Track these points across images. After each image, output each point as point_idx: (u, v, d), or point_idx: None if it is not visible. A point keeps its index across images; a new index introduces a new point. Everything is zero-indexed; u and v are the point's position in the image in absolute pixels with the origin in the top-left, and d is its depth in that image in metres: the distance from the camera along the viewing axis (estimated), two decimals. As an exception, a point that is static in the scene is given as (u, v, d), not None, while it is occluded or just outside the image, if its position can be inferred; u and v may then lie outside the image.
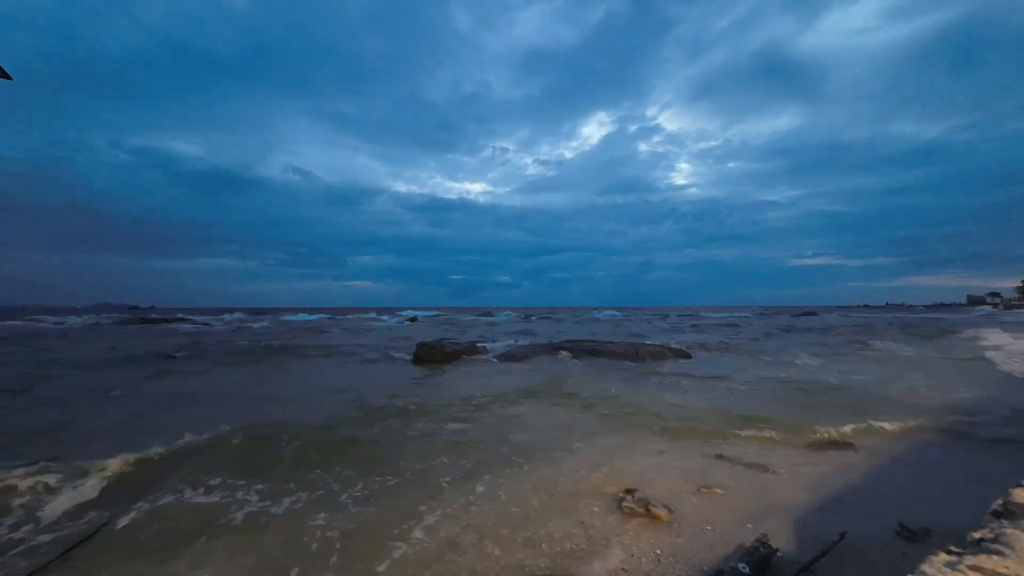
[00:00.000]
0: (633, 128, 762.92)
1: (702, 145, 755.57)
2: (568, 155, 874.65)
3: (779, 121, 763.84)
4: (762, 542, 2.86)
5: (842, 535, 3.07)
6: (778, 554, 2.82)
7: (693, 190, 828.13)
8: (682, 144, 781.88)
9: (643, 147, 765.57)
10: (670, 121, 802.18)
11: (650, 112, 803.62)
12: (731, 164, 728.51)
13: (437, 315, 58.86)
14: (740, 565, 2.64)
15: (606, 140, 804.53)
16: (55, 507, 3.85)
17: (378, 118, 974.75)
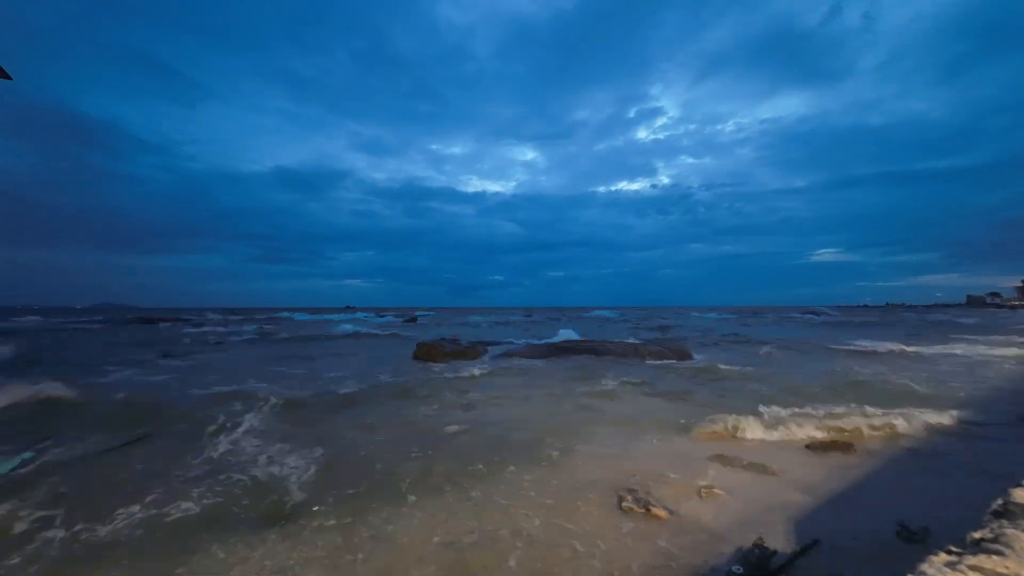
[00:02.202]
0: (633, 110, 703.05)
1: (708, 129, 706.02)
2: (562, 140, 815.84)
3: (794, 103, 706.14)
4: (758, 544, 2.82)
5: (814, 542, 2.99)
6: (775, 556, 2.77)
7: (699, 179, 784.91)
8: (688, 128, 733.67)
9: (644, 131, 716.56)
10: (674, 102, 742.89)
11: (652, 92, 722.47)
12: (741, 151, 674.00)
13: (432, 314, 58.62)
14: (735, 567, 2.60)
15: (605, 123, 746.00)
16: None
17: (338, 80, 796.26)
